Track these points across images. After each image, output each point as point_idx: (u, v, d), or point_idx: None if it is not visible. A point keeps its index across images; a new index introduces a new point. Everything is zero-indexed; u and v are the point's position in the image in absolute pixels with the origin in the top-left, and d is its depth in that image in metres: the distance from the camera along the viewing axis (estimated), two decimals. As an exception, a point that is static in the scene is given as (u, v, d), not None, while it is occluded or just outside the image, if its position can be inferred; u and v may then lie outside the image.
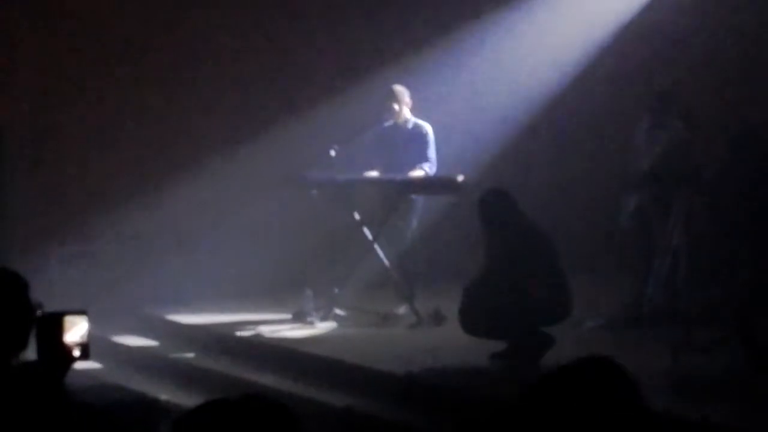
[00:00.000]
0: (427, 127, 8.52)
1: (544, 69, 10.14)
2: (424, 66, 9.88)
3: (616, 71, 10.06)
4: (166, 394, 7.05)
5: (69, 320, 3.24)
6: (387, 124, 8.56)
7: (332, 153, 8.41)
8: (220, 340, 8.21)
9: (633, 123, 8.37)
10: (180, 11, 9.78)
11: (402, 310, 8.38)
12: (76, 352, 3.24)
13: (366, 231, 8.49)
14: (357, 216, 8.53)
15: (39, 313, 3.29)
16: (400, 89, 8.56)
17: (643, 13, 9.93)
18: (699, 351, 6.60)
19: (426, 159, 8.45)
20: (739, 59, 9.61)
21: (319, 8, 10.27)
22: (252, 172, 9.57)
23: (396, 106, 8.49)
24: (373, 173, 8.56)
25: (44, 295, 3.46)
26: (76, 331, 3.25)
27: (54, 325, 3.22)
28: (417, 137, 8.50)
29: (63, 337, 3.21)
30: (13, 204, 9.26)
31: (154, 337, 8.67)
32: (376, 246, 8.41)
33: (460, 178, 8.10)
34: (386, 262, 8.39)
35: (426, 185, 8.43)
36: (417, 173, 8.39)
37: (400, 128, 8.55)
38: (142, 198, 9.43)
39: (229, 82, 9.90)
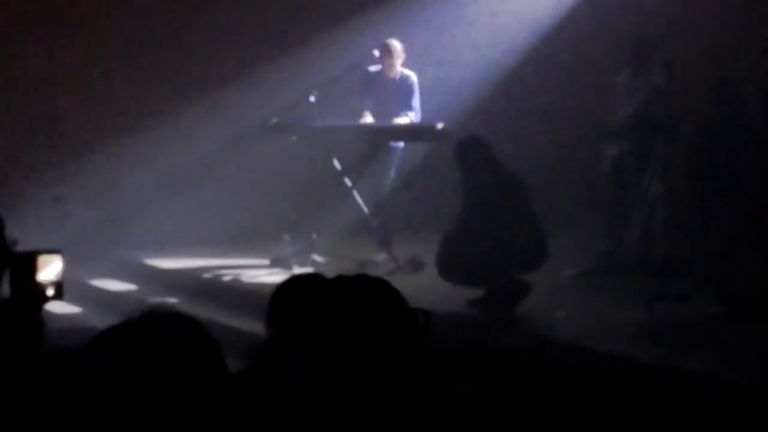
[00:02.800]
0: (413, 77, 8.54)
1: (526, 17, 10.10)
2: (407, 14, 9.83)
3: (597, 19, 10.03)
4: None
5: (43, 259, 3.23)
6: (373, 69, 8.54)
7: (312, 99, 8.38)
8: (198, 285, 8.22)
9: (613, 72, 8.37)
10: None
11: (380, 257, 8.41)
12: (50, 291, 3.23)
13: (345, 178, 8.49)
14: (336, 163, 8.52)
15: (13, 249, 3.27)
16: (396, 44, 8.54)
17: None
18: (673, 300, 6.66)
19: (411, 108, 8.46)
20: (720, 8, 9.58)
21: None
22: (232, 118, 9.54)
23: (391, 61, 8.47)
24: (368, 118, 8.51)
25: (19, 238, 3.45)
26: (50, 270, 3.24)
27: (27, 263, 3.21)
28: (404, 87, 8.51)
29: (36, 275, 3.20)
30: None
31: (132, 281, 8.67)
32: (355, 193, 8.41)
33: (440, 125, 8.10)
34: (365, 209, 8.40)
35: (406, 132, 8.43)
36: (402, 120, 8.40)
37: (388, 77, 8.54)
38: (121, 142, 9.39)
39: (211, 27, 9.82)
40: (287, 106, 8.76)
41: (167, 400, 1.80)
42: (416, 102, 8.50)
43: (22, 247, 3.41)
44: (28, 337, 3.16)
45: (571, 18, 10.03)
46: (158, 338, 1.86)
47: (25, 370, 3.12)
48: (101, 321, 7.49)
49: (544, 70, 10.35)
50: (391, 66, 8.49)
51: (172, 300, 8.06)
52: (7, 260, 3.25)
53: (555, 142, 10.23)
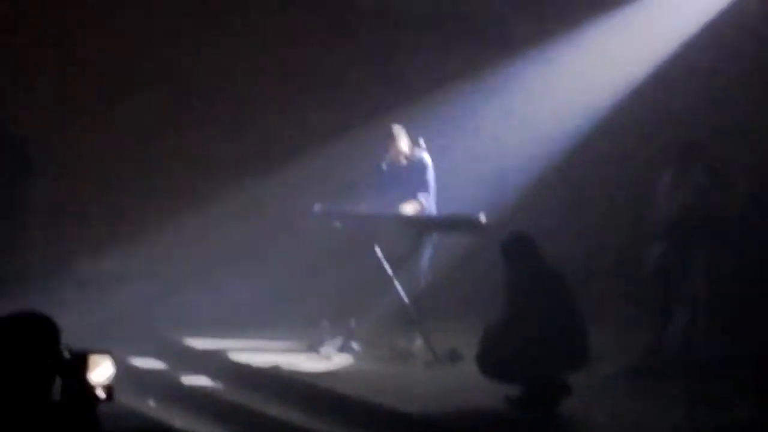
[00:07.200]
0: (426, 158, 8.59)
1: (567, 114, 10.15)
2: (446, 108, 9.93)
3: (640, 119, 10.05)
4: (179, 420, 7.04)
5: (93, 359, 3.21)
6: (386, 163, 8.60)
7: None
8: (236, 369, 8.18)
9: (657, 171, 8.35)
10: (203, 32, 9.94)
11: (417, 347, 8.34)
12: (101, 394, 3.19)
13: (386, 266, 8.46)
14: (378, 250, 8.49)
15: (66, 355, 3.24)
16: (397, 129, 8.61)
17: (659, 72, 9.90)
18: (715, 404, 6.55)
19: (424, 188, 8.49)
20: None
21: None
22: (275, 203, 9.62)
23: (396, 145, 8.54)
24: (408, 206, 8.51)
25: (60, 318, 3.44)
26: (100, 371, 3.21)
27: (78, 365, 3.18)
28: (416, 169, 8.56)
29: (87, 377, 3.17)
30: (32, 221, 9.34)
31: (168, 362, 8.65)
32: (395, 281, 8.38)
33: (483, 218, 8.10)
34: (405, 298, 8.35)
35: (449, 224, 8.44)
36: (412, 204, 8.41)
37: (399, 163, 8.59)
38: (160, 222, 9.49)
39: (249, 109, 9.98)
40: (333, 192, 8.83)
41: None
42: (430, 181, 8.55)
43: (68, 332, 3.40)
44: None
45: (615, 114, 10.05)
46: None
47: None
48: (136, 401, 7.46)
49: (586, 166, 10.34)
50: (396, 149, 8.53)
51: (206, 382, 8.03)
52: (60, 368, 3.21)
53: (597, 239, 10.18)
